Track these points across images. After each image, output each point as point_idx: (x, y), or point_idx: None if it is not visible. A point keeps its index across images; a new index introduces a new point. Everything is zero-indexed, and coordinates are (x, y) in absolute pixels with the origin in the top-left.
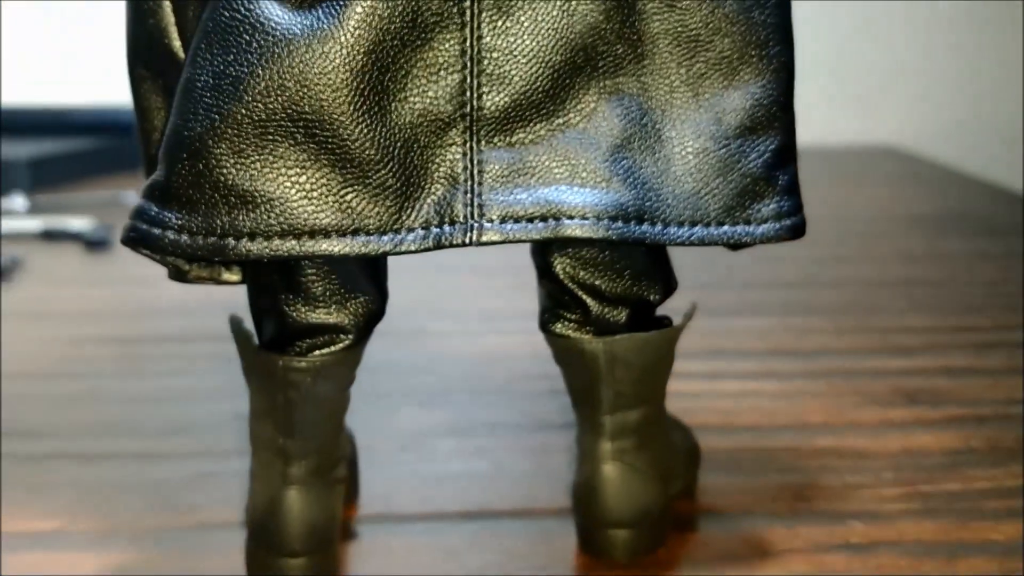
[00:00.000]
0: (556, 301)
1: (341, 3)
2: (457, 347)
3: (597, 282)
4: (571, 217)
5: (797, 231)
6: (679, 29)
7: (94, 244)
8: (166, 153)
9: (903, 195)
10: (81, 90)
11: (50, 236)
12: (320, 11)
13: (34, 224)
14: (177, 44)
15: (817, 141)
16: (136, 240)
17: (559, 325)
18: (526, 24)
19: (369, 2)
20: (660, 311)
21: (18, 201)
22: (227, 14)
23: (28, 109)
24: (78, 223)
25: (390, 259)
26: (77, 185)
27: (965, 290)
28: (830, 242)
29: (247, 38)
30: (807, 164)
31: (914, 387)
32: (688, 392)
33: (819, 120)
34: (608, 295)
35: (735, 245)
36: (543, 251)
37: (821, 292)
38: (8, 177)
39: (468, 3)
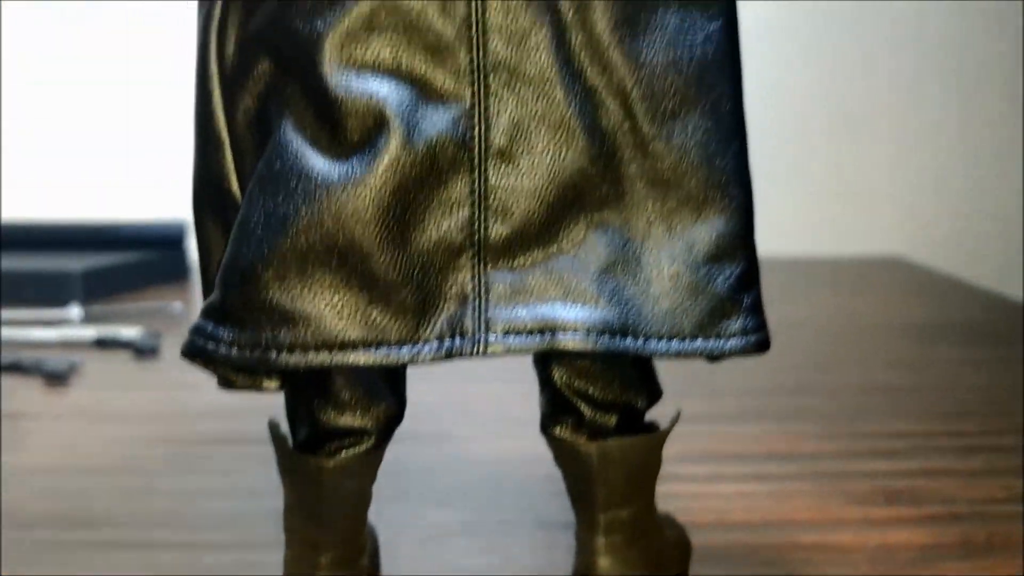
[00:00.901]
0: (554, 407)
1: (371, 153)
2: (476, 450)
3: (590, 390)
4: (565, 331)
5: (762, 346)
6: (652, 172)
7: (144, 351)
8: (222, 279)
9: (903, 303)
10: (130, 206)
11: (103, 344)
12: (354, 160)
13: (89, 333)
14: (235, 187)
15: (825, 252)
16: (194, 353)
17: (557, 429)
18: (525, 168)
19: (395, 152)
20: (652, 416)
21: (74, 311)
22: (278, 164)
23: (82, 225)
24: (129, 332)
25: (419, 369)
26: (127, 294)
27: (953, 396)
28: (828, 350)
29: (293, 184)
30: (814, 273)
31: (896, 488)
32: (686, 493)
33: (827, 231)
34: (600, 401)
35: (710, 357)
36: (543, 361)
37: (817, 398)
38: (65, 288)
39: (477, 151)
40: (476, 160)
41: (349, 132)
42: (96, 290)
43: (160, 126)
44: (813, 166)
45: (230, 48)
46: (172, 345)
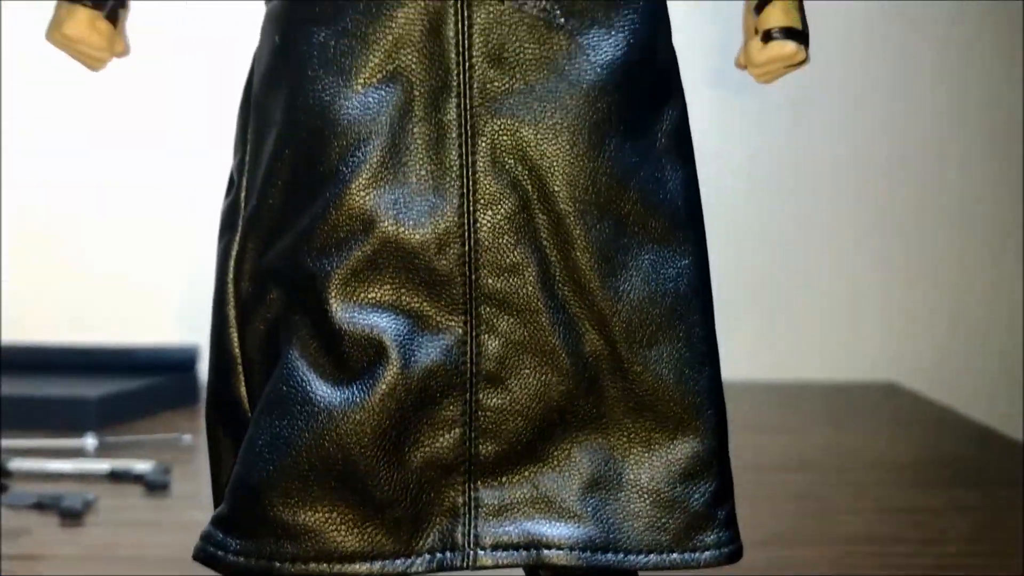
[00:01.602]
0: None
1: (371, 381)
2: None
3: None
4: (549, 547)
5: (734, 557)
6: (631, 396)
7: (154, 487)
8: (231, 493)
9: (894, 436)
10: (143, 331)
11: (116, 476)
12: (355, 386)
13: (103, 466)
14: (246, 406)
15: (818, 377)
16: (204, 559)
17: None
18: (513, 390)
19: (392, 380)
20: None
21: (89, 441)
22: (284, 388)
23: (94, 348)
24: (141, 466)
25: None
26: (140, 420)
27: (942, 550)
28: (818, 495)
29: (297, 408)
30: (806, 402)
31: None
32: None
33: (820, 356)
34: None
35: (687, 567)
36: (531, 573)
37: (806, 550)
38: (80, 414)
39: (468, 376)
40: (467, 384)
41: (351, 361)
42: (110, 416)
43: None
44: (803, 289)
45: (246, 277)
46: (181, 479)
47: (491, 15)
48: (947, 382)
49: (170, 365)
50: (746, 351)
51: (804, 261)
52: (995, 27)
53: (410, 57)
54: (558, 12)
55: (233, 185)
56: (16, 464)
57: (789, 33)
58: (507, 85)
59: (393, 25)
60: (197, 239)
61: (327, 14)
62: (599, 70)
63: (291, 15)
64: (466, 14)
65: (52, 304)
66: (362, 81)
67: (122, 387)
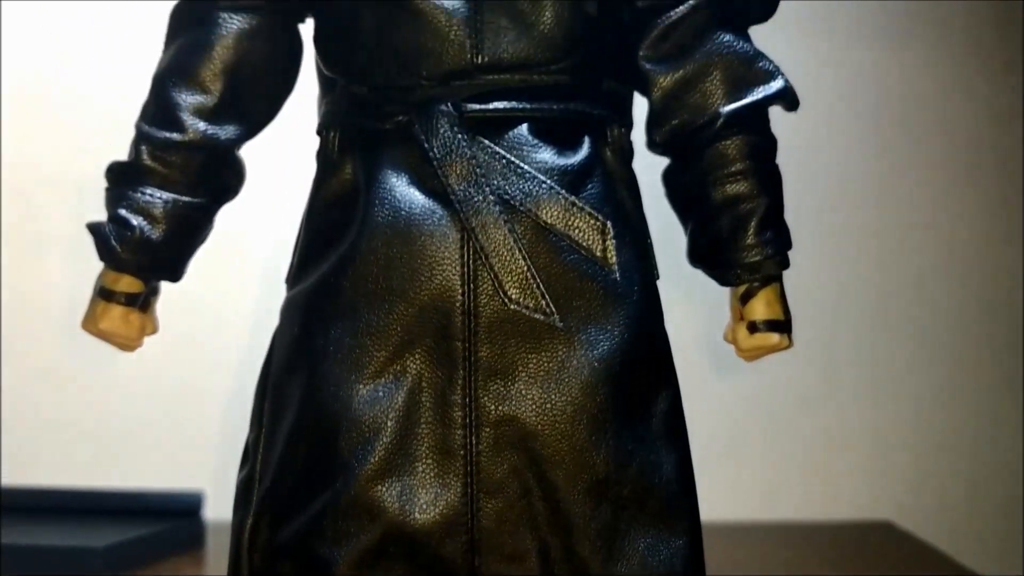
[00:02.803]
0: None
1: None
2: None
3: None
4: None
5: None
6: None
7: None
8: None
9: None
10: (147, 475)
11: None
12: None
13: None
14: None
15: (811, 517)
16: None
17: None
18: None
19: None
20: None
21: None
22: None
23: (99, 492)
24: None
25: None
26: (145, 566)
27: None
28: None
29: None
30: (799, 541)
31: None
32: None
33: (817, 494)
34: None
35: None
36: None
37: None
38: (86, 563)
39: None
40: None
41: None
42: (115, 565)
43: None
44: (798, 430)
45: (259, 551)
46: None
47: (495, 316)
48: (943, 525)
49: (176, 510)
50: (732, 491)
51: (799, 399)
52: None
53: (418, 355)
54: (556, 316)
55: (248, 459)
56: None
57: (773, 325)
58: (509, 381)
59: (403, 327)
60: (204, 385)
61: (343, 312)
62: (596, 365)
63: (309, 309)
64: (472, 317)
65: (54, 446)
66: (373, 376)
67: (128, 534)
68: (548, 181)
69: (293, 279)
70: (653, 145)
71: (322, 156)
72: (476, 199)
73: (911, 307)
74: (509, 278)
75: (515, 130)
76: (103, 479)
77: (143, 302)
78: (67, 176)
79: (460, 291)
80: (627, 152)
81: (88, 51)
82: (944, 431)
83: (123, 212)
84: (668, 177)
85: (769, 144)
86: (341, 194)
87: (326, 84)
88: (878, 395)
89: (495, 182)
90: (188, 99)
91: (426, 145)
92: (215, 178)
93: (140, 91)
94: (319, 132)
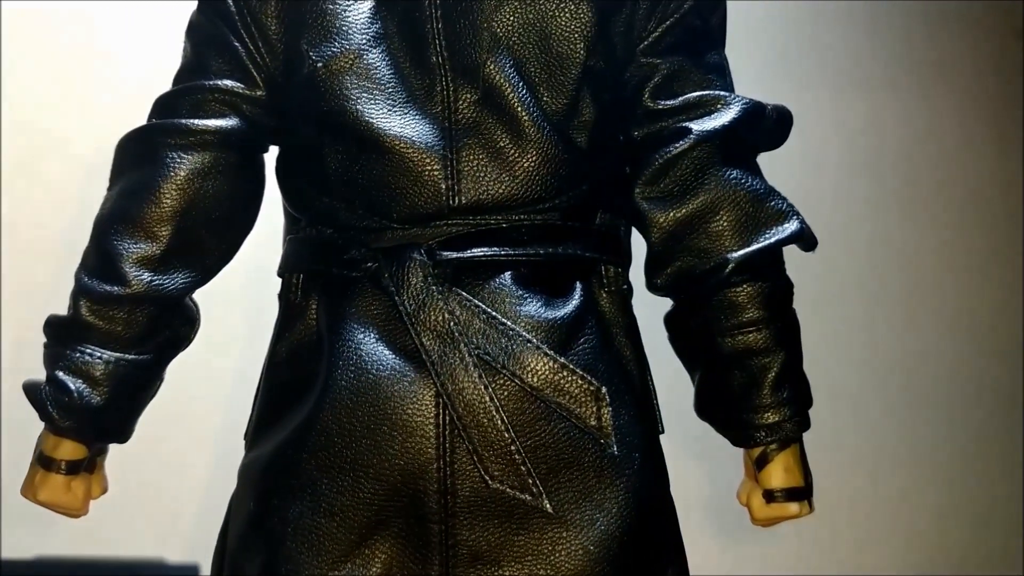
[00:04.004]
0: None
1: None
2: None
3: None
4: None
5: None
6: None
7: None
8: None
9: None
10: (144, 546)
11: None
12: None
13: None
14: None
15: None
16: None
17: None
18: None
19: None
20: None
21: None
22: None
23: (94, 561)
24: None
25: None
26: None
27: None
28: None
29: None
30: None
31: None
32: None
33: (816, 553)
34: None
35: None
36: None
37: None
38: None
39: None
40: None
41: None
42: None
43: None
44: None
45: None
46: None
47: (476, 495)
48: None
49: None
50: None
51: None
52: None
53: (389, 538)
54: (544, 498)
55: None
56: None
57: (792, 494)
58: (494, 567)
59: (370, 506)
60: (200, 456)
61: (302, 489)
62: (592, 548)
63: (266, 484)
64: (449, 496)
65: (51, 517)
66: (337, 562)
67: None
68: (534, 340)
69: (251, 440)
70: (654, 288)
71: (284, 300)
72: (452, 360)
73: (902, 431)
74: (490, 452)
75: (496, 279)
76: (99, 549)
77: (88, 464)
78: (67, 176)
79: (435, 466)
80: (624, 293)
81: (88, 51)
82: (948, 493)
83: (60, 375)
84: (671, 321)
85: (784, 290)
86: (305, 343)
87: (290, 219)
88: (872, 452)
89: (474, 341)
90: (131, 248)
91: (397, 297)
92: (164, 330)
93: (141, 91)
94: (280, 274)
